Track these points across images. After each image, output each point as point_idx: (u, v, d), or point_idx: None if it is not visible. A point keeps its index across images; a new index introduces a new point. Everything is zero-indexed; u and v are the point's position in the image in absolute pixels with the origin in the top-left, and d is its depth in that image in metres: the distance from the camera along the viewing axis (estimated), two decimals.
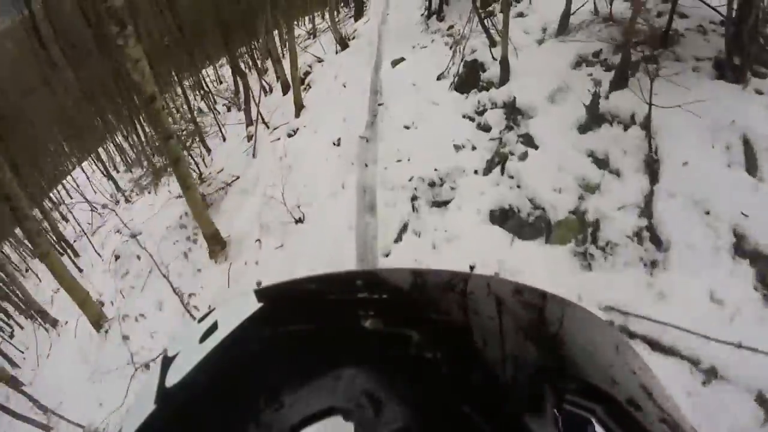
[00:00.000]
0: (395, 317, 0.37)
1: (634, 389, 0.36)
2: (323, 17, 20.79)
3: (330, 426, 0.30)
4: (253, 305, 0.39)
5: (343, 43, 12.76)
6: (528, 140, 5.79)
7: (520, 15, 8.15)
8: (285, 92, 13.60)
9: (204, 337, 0.37)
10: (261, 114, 10.79)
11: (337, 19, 16.23)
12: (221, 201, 9.42)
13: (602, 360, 0.38)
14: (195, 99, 17.19)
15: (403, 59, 10.15)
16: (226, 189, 9.63)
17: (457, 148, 6.22)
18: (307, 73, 12.93)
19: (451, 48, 9.64)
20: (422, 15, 13.17)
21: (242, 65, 15.29)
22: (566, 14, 6.63)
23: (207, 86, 16.46)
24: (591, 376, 0.34)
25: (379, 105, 8.45)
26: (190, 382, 0.33)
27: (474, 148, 6.21)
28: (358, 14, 16.38)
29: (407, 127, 7.09)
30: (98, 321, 7.99)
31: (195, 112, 13.15)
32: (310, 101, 10.49)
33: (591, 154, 5.15)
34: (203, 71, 17.70)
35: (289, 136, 9.58)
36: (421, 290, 0.44)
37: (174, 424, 0.32)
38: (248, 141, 11.51)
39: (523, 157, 5.65)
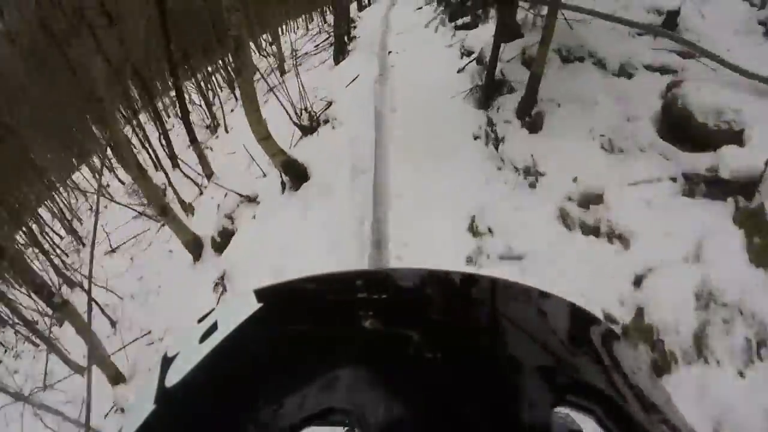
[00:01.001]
0: (395, 317, 0.37)
1: (634, 389, 0.36)
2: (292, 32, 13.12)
3: (330, 426, 0.31)
4: (253, 305, 0.39)
5: (293, 171, 5.55)
6: None
7: None
8: (196, 261, 6.72)
9: (204, 338, 0.37)
10: None
11: (299, 63, 8.85)
12: None
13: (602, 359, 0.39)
14: None
15: None
16: None
17: None
18: (226, 235, 5.97)
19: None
20: (460, 73, 5.83)
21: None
22: None
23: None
24: (591, 376, 0.35)
25: None
26: (189, 382, 0.34)
27: None
28: (340, 52, 8.95)
29: None
30: None
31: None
32: None
33: None
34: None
35: None
36: (422, 290, 0.44)
37: (174, 424, 0.33)
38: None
39: None
